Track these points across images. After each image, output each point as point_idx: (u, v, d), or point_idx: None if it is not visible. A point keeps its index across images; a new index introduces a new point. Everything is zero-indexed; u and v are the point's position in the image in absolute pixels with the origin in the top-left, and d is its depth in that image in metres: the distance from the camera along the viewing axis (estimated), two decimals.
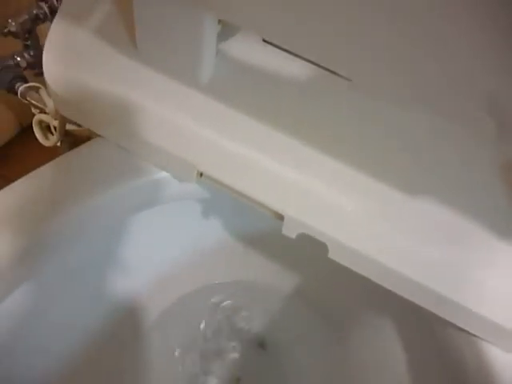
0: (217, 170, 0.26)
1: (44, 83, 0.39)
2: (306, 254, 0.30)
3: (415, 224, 0.25)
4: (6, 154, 0.80)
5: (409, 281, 0.24)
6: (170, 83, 0.26)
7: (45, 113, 0.57)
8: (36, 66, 0.64)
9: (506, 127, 0.20)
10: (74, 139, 0.58)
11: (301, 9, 0.20)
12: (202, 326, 0.42)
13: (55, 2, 0.57)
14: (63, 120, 0.47)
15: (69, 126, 0.54)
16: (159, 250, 0.35)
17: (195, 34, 0.23)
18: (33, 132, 0.60)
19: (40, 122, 0.57)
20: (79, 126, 0.38)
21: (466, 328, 0.25)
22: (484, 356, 0.25)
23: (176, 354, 0.40)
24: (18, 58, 0.61)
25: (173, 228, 0.35)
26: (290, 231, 0.26)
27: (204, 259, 0.39)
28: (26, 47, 0.61)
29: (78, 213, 0.26)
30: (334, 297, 0.40)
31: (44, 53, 0.29)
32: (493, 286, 0.24)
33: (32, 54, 0.62)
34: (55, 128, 0.55)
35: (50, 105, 0.51)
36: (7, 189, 0.26)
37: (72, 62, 0.27)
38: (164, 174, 0.29)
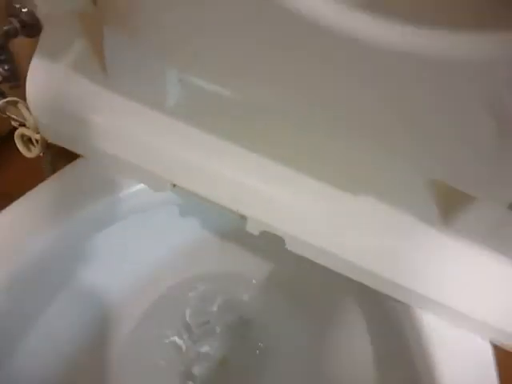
0: (186, 181, 0.30)
1: (20, 96, 0.43)
2: (276, 246, 0.34)
3: (358, 218, 0.30)
4: None
5: (353, 265, 0.29)
6: (138, 108, 0.30)
7: (25, 126, 0.59)
8: (11, 78, 0.66)
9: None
10: (55, 150, 0.61)
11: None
12: (188, 312, 0.46)
13: (24, 17, 0.59)
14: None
15: None
16: (146, 251, 0.40)
17: (158, 73, 0.27)
18: (10, 143, 0.63)
19: (22, 136, 0.59)
20: None
21: (406, 301, 0.30)
22: (422, 326, 0.30)
23: (166, 341, 0.44)
24: None
25: (157, 230, 0.39)
26: (253, 229, 0.31)
27: (186, 255, 0.44)
28: (0, 62, 0.64)
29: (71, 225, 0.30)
30: (306, 285, 0.44)
31: (27, 87, 0.32)
32: (424, 264, 0.29)
33: (6, 68, 0.64)
34: (37, 141, 0.58)
35: (30, 120, 0.54)
36: None
37: (51, 94, 0.31)
38: (142, 185, 0.33)
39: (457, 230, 0.28)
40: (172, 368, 0.42)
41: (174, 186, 0.32)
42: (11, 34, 0.60)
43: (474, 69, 0.18)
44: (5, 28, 0.59)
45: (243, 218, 0.31)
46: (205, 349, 0.45)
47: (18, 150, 0.73)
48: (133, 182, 0.33)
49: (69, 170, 0.34)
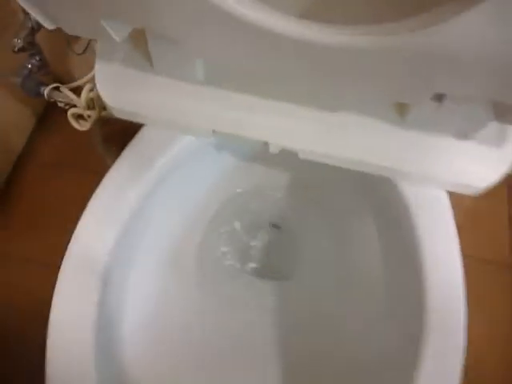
0: (222, 127, 0.44)
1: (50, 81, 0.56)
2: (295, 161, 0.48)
3: (346, 127, 0.43)
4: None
5: (347, 159, 0.43)
6: (178, 83, 0.43)
7: (74, 106, 0.73)
8: (43, 67, 0.79)
9: None
10: (102, 122, 0.75)
11: None
12: (237, 224, 0.61)
13: None
14: (99, 111, 0.65)
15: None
16: (200, 183, 0.54)
17: (189, 61, 0.40)
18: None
19: (73, 114, 0.73)
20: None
21: (391, 176, 0.44)
22: (402, 191, 0.44)
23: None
24: (29, 66, 0.75)
25: (205, 170, 0.54)
26: (274, 150, 0.45)
27: (226, 179, 0.58)
28: (32, 55, 0.76)
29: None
30: (320, 189, 0.58)
31: (97, 83, 0.45)
32: (396, 147, 0.43)
33: (38, 58, 0.76)
34: (89, 116, 0.71)
35: (82, 101, 0.67)
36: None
37: (113, 85, 0.44)
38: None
39: (409, 122, 0.42)
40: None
41: (214, 131, 0.45)
42: (35, 29, 0.72)
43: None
44: (29, 25, 0.71)
45: (266, 144, 0.45)
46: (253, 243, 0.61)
47: (53, 128, 0.89)
48: (185, 137, 0.46)
49: (139, 138, 0.47)
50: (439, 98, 0.38)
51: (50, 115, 0.96)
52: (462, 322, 0.39)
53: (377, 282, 0.51)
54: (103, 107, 0.67)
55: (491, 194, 0.44)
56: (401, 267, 0.47)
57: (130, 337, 0.44)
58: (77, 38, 0.78)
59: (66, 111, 0.92)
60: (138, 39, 0.42)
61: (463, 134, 0.42)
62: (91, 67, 0.76)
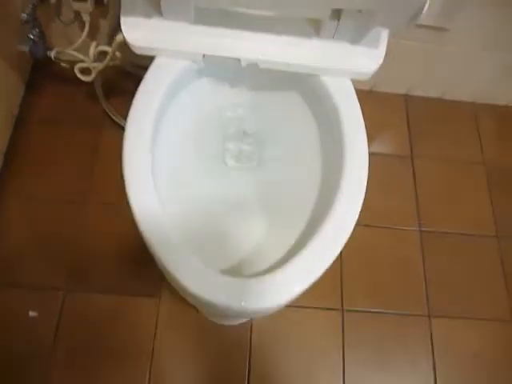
0: (208, 50, 0.69)
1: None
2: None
3: (285, 47, 0.70)
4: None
5: (295, 65, 0.70)
6: (180, 25, 0.68)
7: (82, 62, 0.94)
8: (42, 37, 0.99)
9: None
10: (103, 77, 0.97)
11: None
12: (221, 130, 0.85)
13: None
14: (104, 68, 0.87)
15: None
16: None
17: (187, 6, 0.64)
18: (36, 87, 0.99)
19: (80, 68, 0.94)
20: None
21: (319, 73, 0.72)
22: (324, 84, 0.72)
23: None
24: (32, 37, 0.96)
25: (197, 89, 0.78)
26: (244, 63, 0.70)
27: (213, 95, 0.83)
28: (33, 27, 0.96)
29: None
30: (272, 94, 0.85)
31: (123, 30, 0.68)
32: (319, 53, 0.71)
33: (38, 30, 0.96)
34: (94, 68, 0.93)
35: (90, 55, 0.89)
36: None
37: (134, 30, 0.67)
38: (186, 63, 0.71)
39: (323, 36, 0.69)
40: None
41: (204, 55, 0.70)
42: (36, 6, 0.92)
43: None
44: (30, 5, 0.91)
45: (238, 60, 0.70)
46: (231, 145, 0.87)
47: (41, 89, 1.11)
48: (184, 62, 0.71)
49: (151, 69, 0.71)
50: (338, 16, 0.66)
51: (35, 79, 1.15)
52: (364, 183, 0.66)
53: (316, 153, 0.79)
54: (112, 57, 0.89)
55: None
56: (328, 133, 0.75)
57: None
58: (66, 12, 0.99)
59: (51, 73, 1.12)
60: None
61: (355, 41, 0.70)
62: (78, 34, 0.98)
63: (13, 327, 0.92)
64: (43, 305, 0.94)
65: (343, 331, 0.98)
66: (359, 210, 0.64)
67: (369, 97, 1.24)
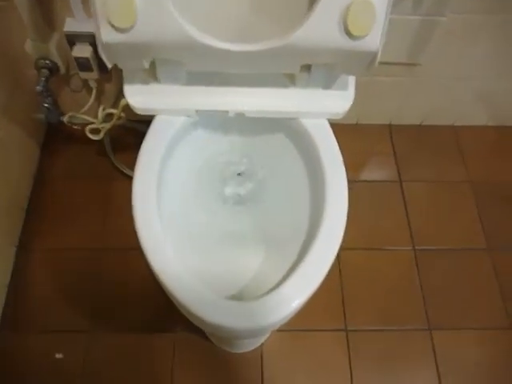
0: (200, 106, 0.80)
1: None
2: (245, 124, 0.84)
3: (266, 97, 0.80)
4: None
5: (277, 112, 0.80)
6: (174, 87, 0.79)
7: (92, 123, 1.06)
8: (54, 104, 1.11)
9: None
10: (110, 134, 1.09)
11: None
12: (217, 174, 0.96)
13: (50, 65, 1.02)
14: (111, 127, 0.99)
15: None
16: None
17: (181, 74, 0.76)
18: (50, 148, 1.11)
19: (90, 129, 1.06)
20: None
21: (298, 116, 0.82)
22: (305, 123, 0.82)
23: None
24: (46, 105, 1.08)
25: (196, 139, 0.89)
26: (231, 114, 0.81)
27: (208, 143, 0.93)
28: (47, 96, 1.08)
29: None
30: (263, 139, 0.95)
31: (126, 95, 0.79)
32: (296, 98, 0.81)
33: (50, 99, 1.08)
34: (103, 128, 1.04)
35: (99, 117, 1.01)
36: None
37: (135, 94, 0.78)
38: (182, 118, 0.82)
39: (298, 85, 0.80)
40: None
41: (197, 111, 0.81)
42: (49, 79, 1.05)
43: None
44: (42, 78, 1.04)
45: (226, 112, 0.81)
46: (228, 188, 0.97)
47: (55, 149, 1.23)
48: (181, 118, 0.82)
49: (152, 127, 0.81)
50: (309, 68, 0.76)
51: (50, 141, 1.27)
52: (345, 209, 0.75)
53: (304, 186, 0.88)
54: (118, 118, 1.00)
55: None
56: (312, 167, 0.84)
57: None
58: (75, 81, 1.11)
59: (63, 135, 1.24)
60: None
61: (327, 86, 0.81)
62: (86, 99, 1.11)
63: (41, 369, 1.00)
64: (68, 347, 1.02)
65: (349, 350, 1.04)
66: (342, 234, 0.72)
67: (355, 129, 1.35)
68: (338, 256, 0.70)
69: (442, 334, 1.07)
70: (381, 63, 0.71)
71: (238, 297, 0.78)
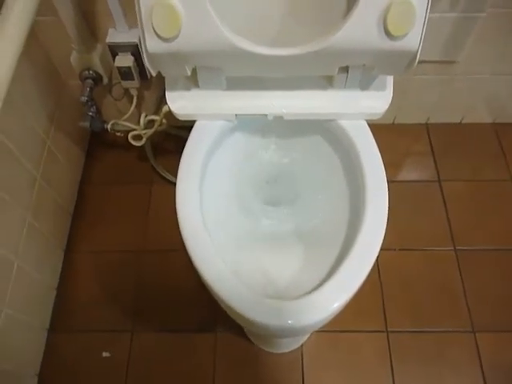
0: (239, 110, 0.81)
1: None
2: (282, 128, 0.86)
3: (304, 99, 0.81)
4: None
5: (316, 114, 0.81)
6: (214, 92, 0.81)
7: (134, 130, 1.09)
8: (98, 113, 1.15)
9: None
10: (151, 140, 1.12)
11: None
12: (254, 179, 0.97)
13: (94, 75, 1.06)
14: (153, 133, 1.02)
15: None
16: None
17: (219, 78, 0.78)
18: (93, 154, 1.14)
19: (132, 136, 1.10)
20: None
21: (338, 118, 0.82)
22: (343, 124, 0.83)
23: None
24: (91, 114, 1.12)
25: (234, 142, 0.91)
26: (270, 117, 0.82)
27: (247, 147, 0.95)
28: (91, 106, 1.12)
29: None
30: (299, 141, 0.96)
31: (168, 101, 0.82)
32: (334, 101, 0.82)
33: (94, 108, 1.12)
34: (145, 134, 1.08)
35: (141, 124, 1.04)
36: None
37: (177, 100, 0.81)
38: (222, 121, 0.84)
39: (336, 87, 0.80)
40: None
41: (236, 115, 0.83)
42: (93, 90, 1.09)
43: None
44: (87, 88, 1.08)
45: (265, 116, 0.82)
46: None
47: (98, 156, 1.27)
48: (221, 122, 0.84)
49: (194, 132, 0.84)
50: (346, 70, 0.77)
51: (94, 148, 1.32)
52: (385, 210, 0.75)
53: (342, 188, 0.89)
54: (159, 124, 1.04)
55: None
56: (351, 168, 0.84)
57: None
58: (116, 90, 1.15)
59: (107, 141, 1.29)
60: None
61: (365, 87, 0.81)
62: (127, 107, 1.14)
63: (90, 367, 1.04)
64: (115, 345, 1.06)
65: (390, 352, 1.03)
66: (382, 236, 0.72)
67: (392, 129, 1.33)
68: (377, 257, 0.70)
69: (486, 336, 1.04)
70: (418, 62, 0.71)
71: (277, 296, 0.80)
